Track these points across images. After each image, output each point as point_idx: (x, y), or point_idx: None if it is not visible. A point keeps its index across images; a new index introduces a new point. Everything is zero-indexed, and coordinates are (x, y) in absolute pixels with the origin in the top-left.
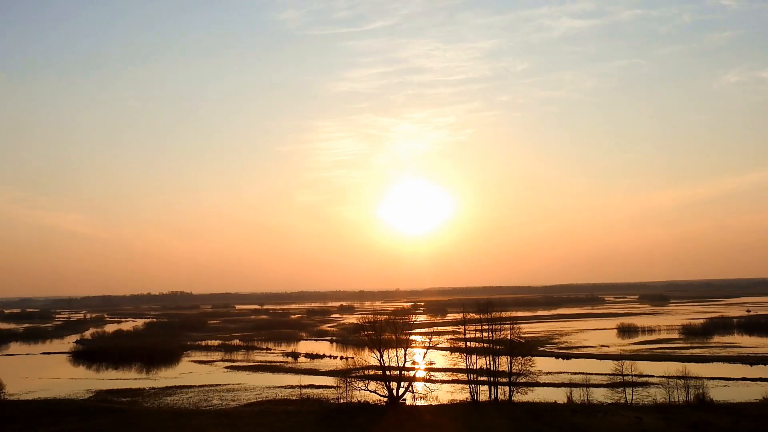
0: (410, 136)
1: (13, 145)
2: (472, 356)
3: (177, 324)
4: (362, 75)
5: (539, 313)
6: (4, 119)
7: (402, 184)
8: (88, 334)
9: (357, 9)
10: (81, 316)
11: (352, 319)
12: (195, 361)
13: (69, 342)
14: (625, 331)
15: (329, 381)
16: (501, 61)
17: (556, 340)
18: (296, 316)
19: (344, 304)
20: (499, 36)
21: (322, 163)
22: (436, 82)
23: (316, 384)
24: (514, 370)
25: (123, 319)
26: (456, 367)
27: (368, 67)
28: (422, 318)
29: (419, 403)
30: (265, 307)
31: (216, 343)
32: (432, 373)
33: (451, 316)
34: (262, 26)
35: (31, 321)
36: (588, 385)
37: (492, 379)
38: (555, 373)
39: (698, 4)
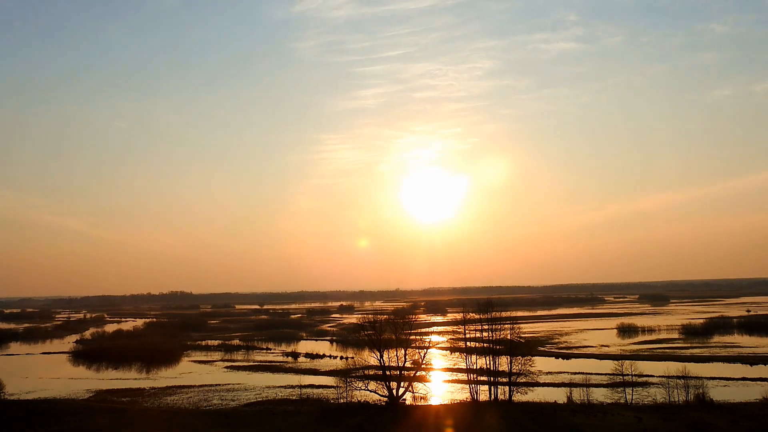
0: (415, 145)
1: (14, 146)
2: (472, 356)
3: (177, 324)
4: (368, 94)
5: (539, 313)
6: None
7: (405, 188)
8: (88, 334)
9: (373, 41)
10: (81, 316)
11: (352, 319)
12: (195, 361)
13: (69, 342)
14: (625, 331)
15: (329, 381)
16: (502, 80)
17: (556, 340)
18: (296, 316)
19: (344, 304)
20: (498, 58)
21: (327, 172)
22: (441, 99)
23: (316, 384)
24: (514, 370)
25: (123, 319)
26: (456, 367)
27: (375, 87)
28: (422, 318)
29: (419, 403)
30: (265, 307)
31: (216, 343)
32: (432, 373)
33: (451, 316)
34: (280, 53)
35: (31, 321)
36: (588, 385)
37: (492, 379)
38: (555, 373)
39: (687, 29)
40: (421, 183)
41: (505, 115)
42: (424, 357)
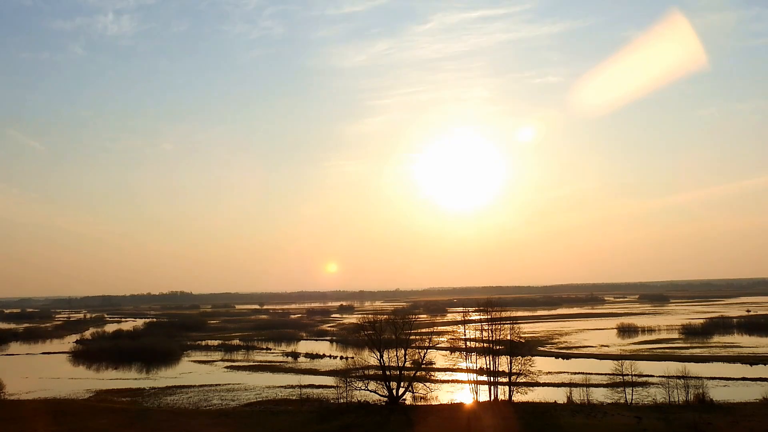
0: (417, 159)
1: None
2: (472, 356)
3: (177, 324)
4: (376, 121)
5: (539, 313)
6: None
7: (406, 197)
8: (88, 334)
9: (383, 82)
10: (81, 316)
11: (352, 319)
12: (195, 361)
13: (69, 342)
14: (625, 331)
15: (329, 381)
16: (499, 105)
17: (556, 340)
18: (296, 316)
19: (344, 304)
20: (496, 89)
21: (331, 183)
22: (444, 121)
23: (316, 384)
24: (514, 370)
25: (123, 319)
26: (456, 367)
27: (383, 115)
28: (422, 317)
29: (419, 403)
30: (265, 307)
31: (216, 343)
32: (432, 373)
33: (451, 316)
34: (301, 92)
35: (31, 321)
36: (588, 385)
37: (492, 379)
38: (555, 373)
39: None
40: (422, 191)
41: (504, 133)
42: (423, 357)
